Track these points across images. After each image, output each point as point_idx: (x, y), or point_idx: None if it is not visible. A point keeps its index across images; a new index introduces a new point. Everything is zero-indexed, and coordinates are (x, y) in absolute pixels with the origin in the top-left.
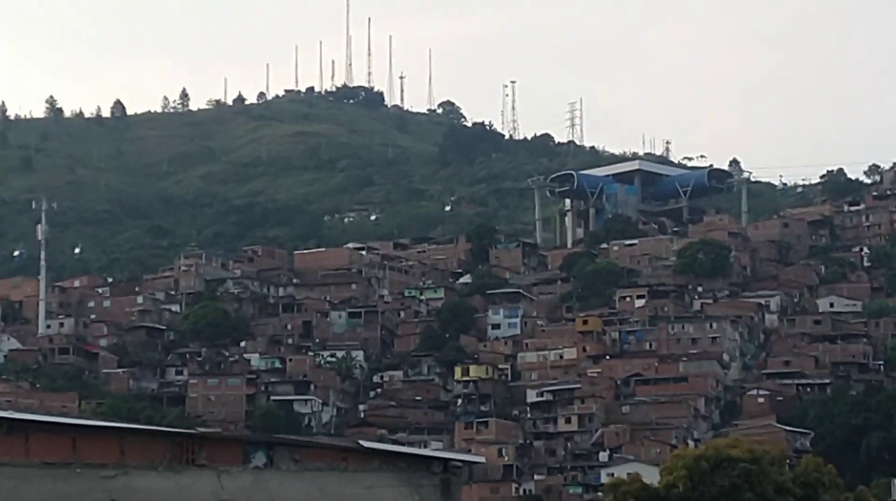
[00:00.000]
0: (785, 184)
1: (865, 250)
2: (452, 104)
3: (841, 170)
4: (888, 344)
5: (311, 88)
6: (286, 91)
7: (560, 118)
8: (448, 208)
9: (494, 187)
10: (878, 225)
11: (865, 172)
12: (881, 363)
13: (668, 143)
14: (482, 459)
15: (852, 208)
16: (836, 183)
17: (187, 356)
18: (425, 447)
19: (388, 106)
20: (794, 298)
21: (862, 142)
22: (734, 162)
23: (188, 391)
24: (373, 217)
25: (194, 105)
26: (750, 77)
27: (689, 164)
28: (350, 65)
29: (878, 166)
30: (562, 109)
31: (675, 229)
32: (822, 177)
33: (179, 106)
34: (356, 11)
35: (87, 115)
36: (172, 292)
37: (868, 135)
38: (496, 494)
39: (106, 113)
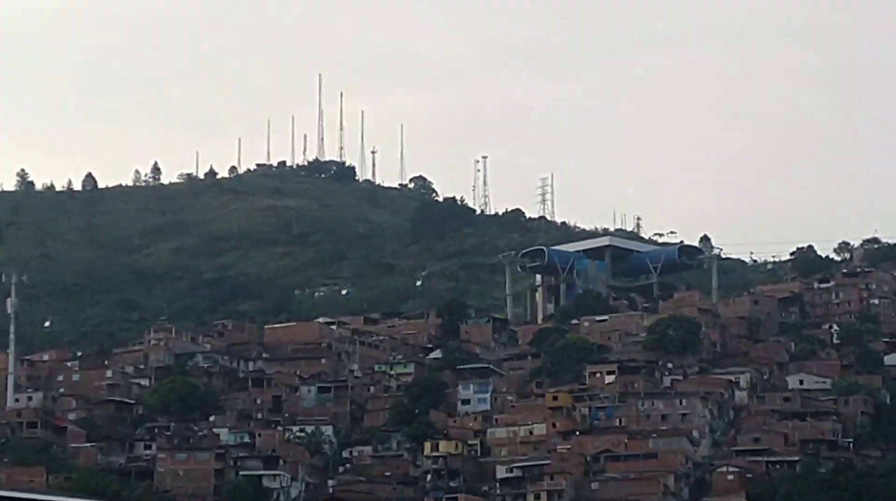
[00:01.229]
0: (755, 261)
1: (835, 327)
2: (424, 179)
3: (811, 247)
4: (858, 422)
5: (283, 162)
6: (258, 165)
7: (531, 194)
8: (419, 283)
9: (465, 262)
10: (848, 302)
11: (835, 250)
12: (850, 440)
13: (638, 219)
14: None
15: (822, 286)
16: (806, 260)
17: (156, 430)
18: None
19: (360, 180)
20: (763, 374)
21: (832, 219)
22: (705, 238)
23: (156, 465)
24: (343, 292)
25: (166, 179)
26: (721, 154)
27: (660, 240)
28: (322, 139)
29: (848, 244)
30: (533, 185)
31: (646, 305)
32: (792, 254)
33: (151, 179)
34: (328, 86)
35: (58, 187)
36: (142, 366)
37: (838, 213)
38: None
39: (77, 186)
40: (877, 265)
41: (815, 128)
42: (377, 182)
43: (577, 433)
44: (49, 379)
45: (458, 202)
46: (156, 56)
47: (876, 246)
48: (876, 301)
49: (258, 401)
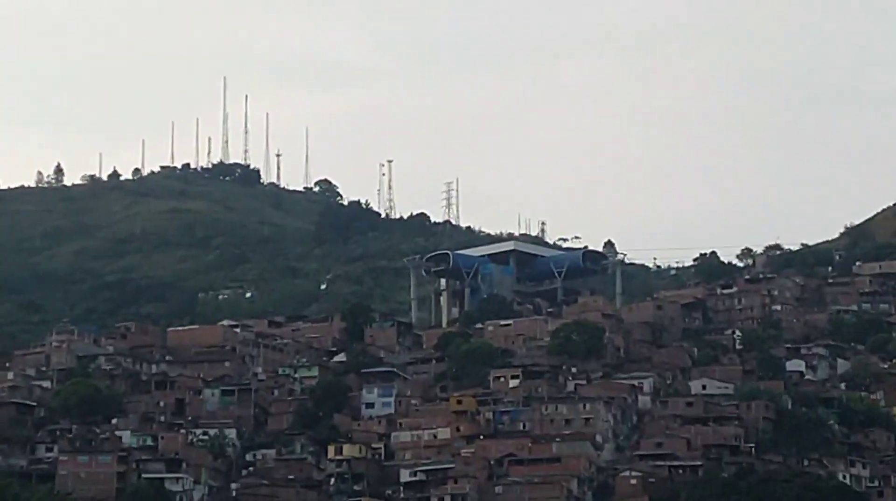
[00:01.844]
0: (659, 266)
1: (737, 333)
2: (329, 182)
3: (714, 253)
4: (759, 427)
5: (187, 165)
6: (162, 167)
7: (436, 198)
8: (323, 287)
9: (370, 266)
10: (751, 308)
11: (738, 256)
12: (752, 445)
13: (543, 224)
14: None
15: (725, 292)
16: (709, 266)
17: (58, 432)
18: None
19: (265, 183)
20: (666, 380)
21: (735, 226)
22: (609, 244)
23: (58, 468)
24: (247, 295)
25: (69, 180)
26: (625, 160)
27: (565, 245)
28: (226, 142)
29: (751, 250)
30: (438, 189)
31: (550, 309)
32: (695, 260)
33: (54, 181)
34: (233, 89)
35: None
36: (44, 369)
37: (740, 219)
38: None
39: None
40: (779, 272)
41: (719, 134)
42: (282, 185)
43: (481, 437)
44: None
45: (363, 206)
46: (59, 56)
47: (778, 252)
48: (778, 307)
49: (161, 404)
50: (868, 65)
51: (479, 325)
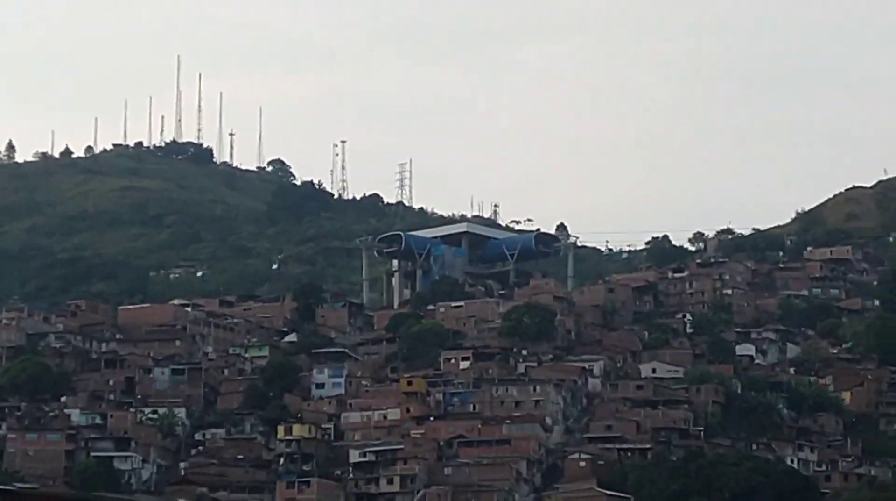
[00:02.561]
0: (611, 249)
1: (688, 316)
2: (282, 162)
3: (666, 237)
4: (709, 411)
5: (140, 143)
6: (114, 145)
7: (389, 179)
8: (275, 267)
9: (322, 246)
10: (702, 292)
11: (690, 240)
12: (701, 429)
13: (496, 206)
14: None
15: (676, 275)
16: (660, 250)
17: (6, 410)
18: None
19: (218, 163)
20: (617, 362)
21: (687, 210)
22: (561, 226)
23: (6, 446)
24: (199, 274)
25: (20, 157)
26: (577, 142)
27: (517, 227)
28: (179, 120)
29: (703, 234)
30: (391, 170)
31: (502, 291)
32: (647, 243)
33: (5, 157)
34: (187, 67)
35: None
36: None
37: (693, 203)
38: None
39: None
40: (730, 256)
41: (672, 119)
42: (235, 165)
43: (431, 418)
44: None
45: (316, 186)
46: (11, 33)
47: (730, 237)
48: (729, 291)
49: (111, 382)
50: (821, 51)
51: (430, 306)
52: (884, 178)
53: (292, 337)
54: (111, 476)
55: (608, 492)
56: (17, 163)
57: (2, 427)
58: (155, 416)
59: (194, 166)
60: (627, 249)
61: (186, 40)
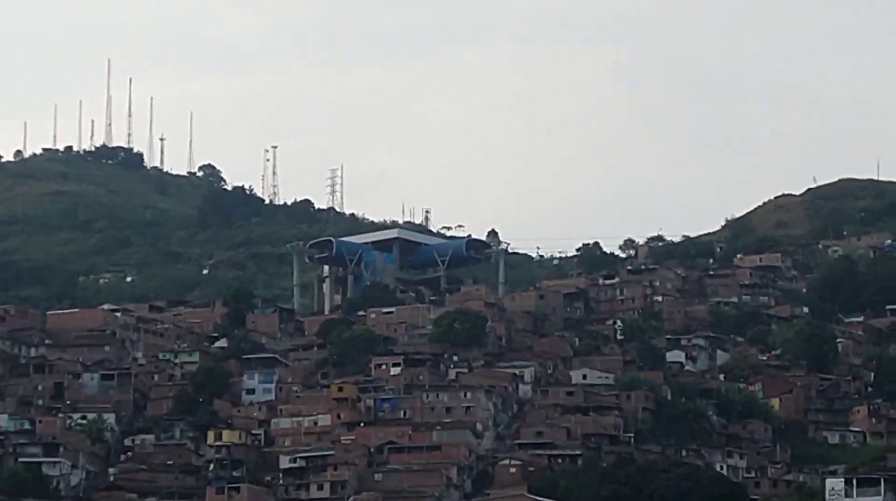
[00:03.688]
0: (542, 256)
1: (619, 323)
2: (213, 167)
3: (597, 244)
4: (639, 417)
5: (70, 148)
6: (44, 149)
7: (321, 184)
8: (206, 272)
9: (253, 252)
10: (632, 299)
11: (620, 247)
12: (631, 435)
13: (427, 212)
14: None
15: (607, 282)
16: (591, 257)
17: None
18: None
19: (148, 167)
20: (547, 369)
21: (617, 217)
22: (492, 233)
23: None
24: (129, 279)
25: None
26: (510, 149)
27: (448, 233)
28: (110, 125)
29: (633, 241)
30: (323, 176)
31: (433, 298)
32: (578, 250)
33: None
34: (117, 71)
35: None
36: None
37: (623, 210)
38: None
39: None
40: (660, 263)
41: (603, 126)
42: (165, 170)
43: (362, 424)
44: None
45: (247, 191)
46: None
47: (660, 244)
48: (659, 298)
49: (39, 388)
50: (751, 59)
51: (361, 312)
52: (813, 186)
53: (222, 343)
54: (39, 481)
55: (538, 498)
56: None
57: None
58: (84, 422)
59: (124, 171)
60: (558, 255)
61: (117, 44)
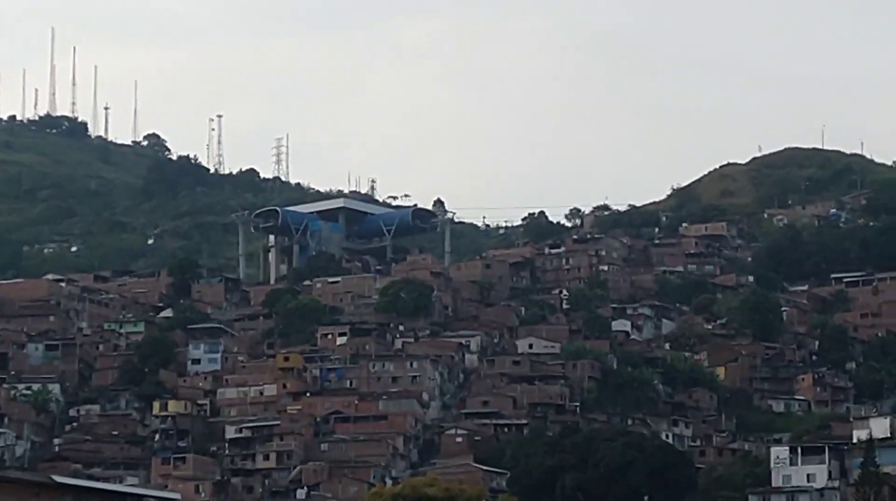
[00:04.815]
0: (488, 225)
1: (565, 292)
2: (158, 137)
3: (542, 213)
4: (585, 386)
5: (13, 117)
6: None
7: (266, 154)
8: (151, 242)
9: (198, 221)
10: (578, 268)
11: (566, 216)
12: (577, 404)
13: (373, 181)
14: (178, 495)
15: (553, 251)
16: (537, 226)
17: None
18: (121, 482)
19: (92, 137)
20: (494, 338)
21: (563, 186)
22: (438, 202)
23: None
24: (73, 249)
25: None
26: (455, 119)
27: (394, 203)
28: (54, 94)
29: (579, 210)
30: (268, 145)
31: (379, 267)
32: (523, 219)
33: None
34: (61, 40)
35: None
36: None
37: (569, 179)
38: None
39: None
40: (606, 232)
41: (548, 95)
42: (110, 139)
43: (308, 394)
44: None
45: (192, 161)
46: None
47: (606, 213)
48: (605, 267)
49: None
50: (696, 28)
51: (307, 282)
52: (758, 155)
53: (168, 313)
54: None
55: (484, 468)
56: None
57: None
58: (29, 392)
59: (69, 140)
60: (504, 225)
61: (60, 13)
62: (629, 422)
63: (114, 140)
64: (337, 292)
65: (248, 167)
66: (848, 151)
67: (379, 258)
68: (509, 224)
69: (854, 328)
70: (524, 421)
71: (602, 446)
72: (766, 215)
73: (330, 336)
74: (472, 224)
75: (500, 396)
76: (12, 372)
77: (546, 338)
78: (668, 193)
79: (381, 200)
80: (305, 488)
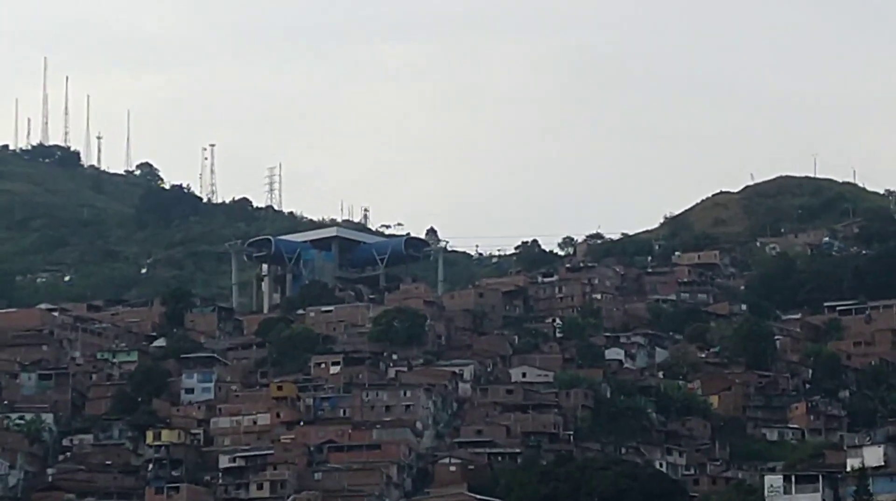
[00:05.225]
0: (481, 254)
1: (558, 321)
2: (150, 166)
3: (535, 241)
4: (578, 415)
5: (6, 146)
6: None
7: (259, 183)
8: (144, 271)
9: (191, 251)
10: (571, 297)
11: (559, 245)
12: (571, 433)
13: (366, 210)
14: None
15: (546, 280)
16: (530, 254)
17: None
18: None
19: (85, 166)
20: (487, 367)
21: (556, 215)
22: (431, 231)
23: None
24: (66, 278)
25: None
26: (447, 146)
27: (387, 232)
28: (46, 123)
29: (572, 239)
30: (261, 174)
31: (372, 296)
32: (516, 248)
33: None
34: (54, 69)
35: None
36: None
37: (562, 208)
38: None
39: None
40: (599, 261)
41: (541, 123)
42: (102, 168)
43: (301, 423)
44: None
45: (185, 190)
46: None
47: (599, 241)
48: (598, 296)
49: None
50: (690, 55)
51: (300, 311)
52: (751, 183)
53: (161, 342)
54: None
55: (478, 497)
56: None
57: None
58: (21, 422)
59: (61, 170)
60: (497, 253)
61: (53, 41)
62: (623, 451)
63: (106, 169)
64: (330, 322)
65: (240, 196)
66: (840, 180)
67: (372, 287)
68: (502, 253)
69: (847, 356)
70: (518, 450)
71: (596, 475)
72: (758, 244)
73: (323, 365)
74: (464, 253)
75: (493, 425)
76: (5, 402)
77: (539, 367)
78: (661, 221)
79: (373, 228)
80: None
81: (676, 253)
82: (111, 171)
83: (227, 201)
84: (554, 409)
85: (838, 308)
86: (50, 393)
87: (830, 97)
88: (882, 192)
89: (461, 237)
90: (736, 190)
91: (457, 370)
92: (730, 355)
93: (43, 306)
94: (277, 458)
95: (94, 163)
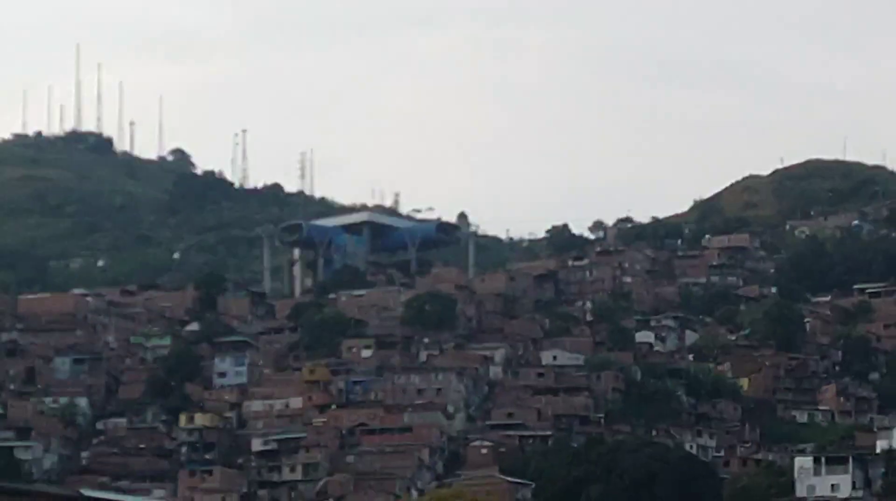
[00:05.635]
0: (511, 238)
1: (588, 304)
2: (183, 152)
3: (566, 225)
4: (609, 397)
5: (40, 133)
6: (14, 135)
7: (291, 168)
8: (176, 256)
9: (224, 236)
10: (602, 280)
11: (590, 228)
12: (602, 415)
13: (397, 195)
14: None
15: (576, 263)
16: (561, 238)
17: None
18: (148, 495)
19: (118, 152)
20: (518, 350)
21: (586, 199)
22: (462, 215)
23: None
24: (100, 263)
25: None
26: (479, 131)
27: (418, 216)
28: (79, 110)
29: (602, 223)
30: (292, 159)
31: (403, 280)
32: (547, 232)
33: None
34: (86, 56)
35: None
36: None
37: (592, 192)
38: None
39: None
40: (629, 244)
41: (572, 107)
42: (135, 154)
43: (333, 406)
44: None
45: (217, 176)
46: None
47: (629, 225)
48: (628, 279)
49: (11, 372)
50: (718, 39)
51: (332, 295)
52: (780, 166)
53: (194, 326)
54: (12, 465)
55: (509, 479)
56: None
57: None
58: (56, 405)
59: (94, 156)
60: (528, 237)
61: (86, 29)
62: (653, 433)
63: (139, 155)
64: (362, 305)
65: (272, 182)
66: (870, 163)
67: (403, 271)
68: (533, 237)
69: (877, 338)
70: (549, 433)
71: (626, 457)
72: (788, 227)
73: (355, 349)
74: (495, 237)
75: (524, 408)
76: (39, 386)
77: (570, 350)
78: (691, 205)
79: (405, 213)
80: (331, 500)
81: (706, 236)
82: (144, 157)
83: (259, 187)
84: (585, 392)
85: (868, 291)
86: (84, 377)
87: (860, 81)
88: None
89: (492, 222)
90: (766, 173)
91: (488, 353)
92: (760, 337)
93: (77, 291)
94: (310, 441)
95: (127, 149)
